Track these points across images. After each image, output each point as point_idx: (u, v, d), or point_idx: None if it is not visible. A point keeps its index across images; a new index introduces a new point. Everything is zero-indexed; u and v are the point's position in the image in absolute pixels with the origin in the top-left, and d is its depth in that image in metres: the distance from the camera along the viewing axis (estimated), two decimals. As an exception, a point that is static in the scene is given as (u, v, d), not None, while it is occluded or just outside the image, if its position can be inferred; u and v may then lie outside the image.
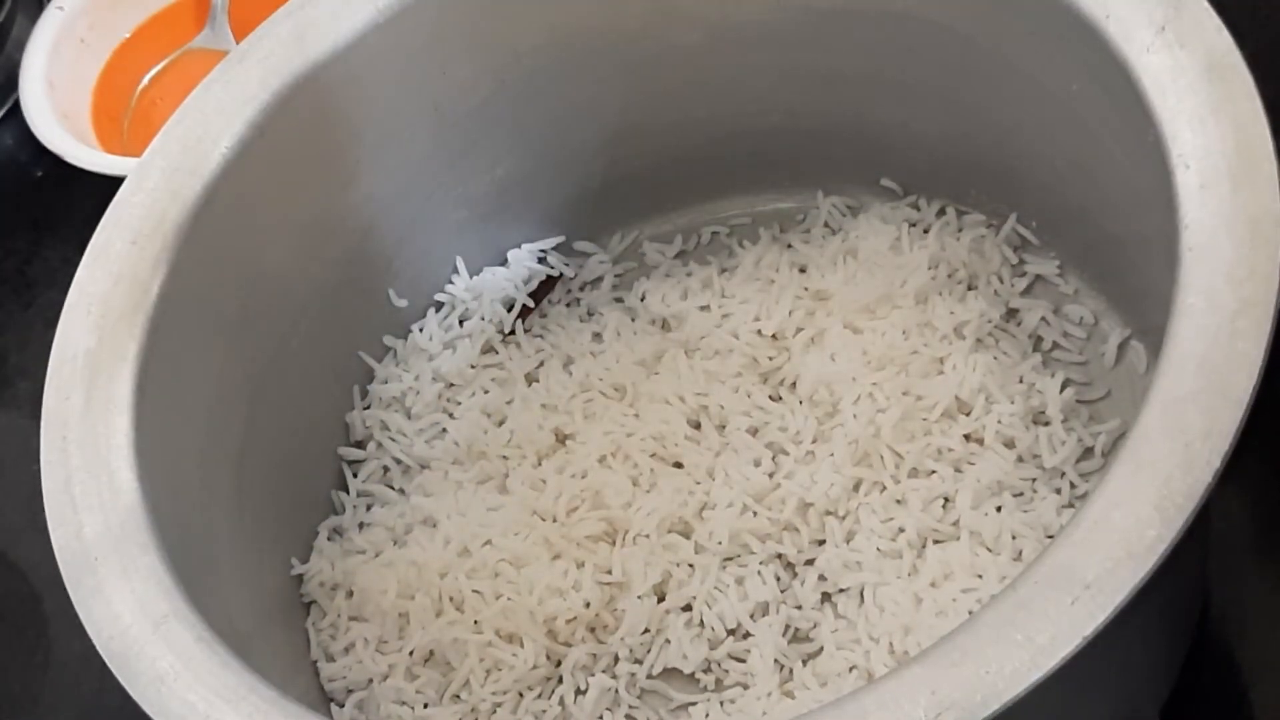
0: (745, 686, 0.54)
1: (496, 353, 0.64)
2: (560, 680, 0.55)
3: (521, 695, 0.55)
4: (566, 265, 0.66)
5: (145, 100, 0.82)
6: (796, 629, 0.55)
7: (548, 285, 0.65)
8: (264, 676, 0.44)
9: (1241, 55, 0.44)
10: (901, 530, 0.54)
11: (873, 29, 0.57)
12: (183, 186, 0.54)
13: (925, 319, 0.59)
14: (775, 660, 0.53)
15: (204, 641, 0.44)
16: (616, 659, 0.55)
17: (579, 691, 0.55)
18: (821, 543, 0.55)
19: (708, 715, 0.54)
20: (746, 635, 0.54)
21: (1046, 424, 0.56)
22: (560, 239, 0.67)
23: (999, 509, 0.54)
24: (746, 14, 0.59)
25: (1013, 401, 0.56)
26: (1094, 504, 0.39)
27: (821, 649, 0.54)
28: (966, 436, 0.56)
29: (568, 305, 0.65)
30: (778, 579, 0.55)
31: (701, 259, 0.65)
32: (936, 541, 0.54)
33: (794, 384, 0.58)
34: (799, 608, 0.55)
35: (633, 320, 0.63)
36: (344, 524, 0.61)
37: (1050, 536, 0.53)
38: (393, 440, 0.62)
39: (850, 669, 0.52)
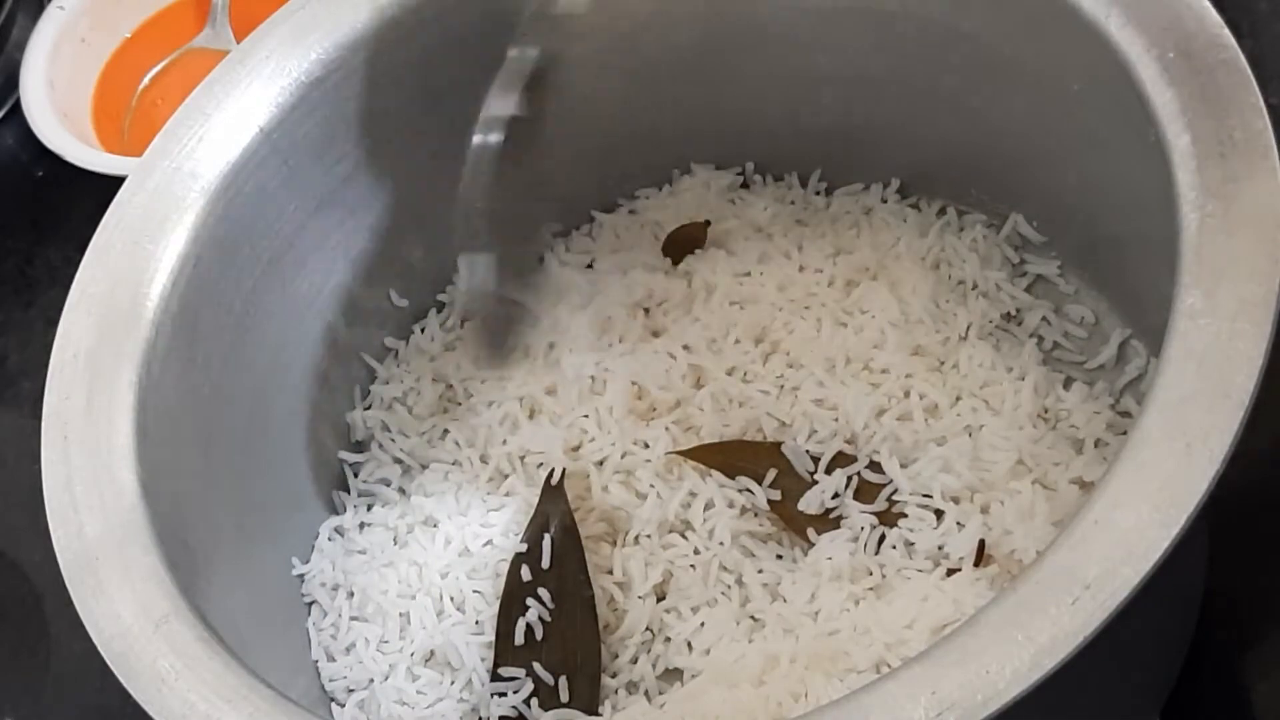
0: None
1: (497, 352, 0.64)
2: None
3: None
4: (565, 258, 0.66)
5: (146, 100, 0.82)
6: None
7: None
8: (265, 676, 0.44)
9: (1241, 55, 0.44)
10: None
11: (873, 29, 0.57)
12: (183, 186, 0.54)
13: (926, 319, 0.58)
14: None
15: (205, 641, 0.44)
16: (616, 658, 0.55)
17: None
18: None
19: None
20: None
21: (1048, 423, 0.56)
22: (560, 239, 0.67)
23: (1001, 503, 0.54)
24: (747, 15, 0.59)
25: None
26: (1094, 504, 0.39)
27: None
28: (967, 435, 0.56)
29: (568, 305, 0.65)
30: (778, 580, 0.55)
31: (702, 258, 0.65)
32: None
33: (795, 387, 0.58)
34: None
35: (633, 320, 0.63)
36: (345, 524, 0.61)
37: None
38: (393, 440, 0.62)
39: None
